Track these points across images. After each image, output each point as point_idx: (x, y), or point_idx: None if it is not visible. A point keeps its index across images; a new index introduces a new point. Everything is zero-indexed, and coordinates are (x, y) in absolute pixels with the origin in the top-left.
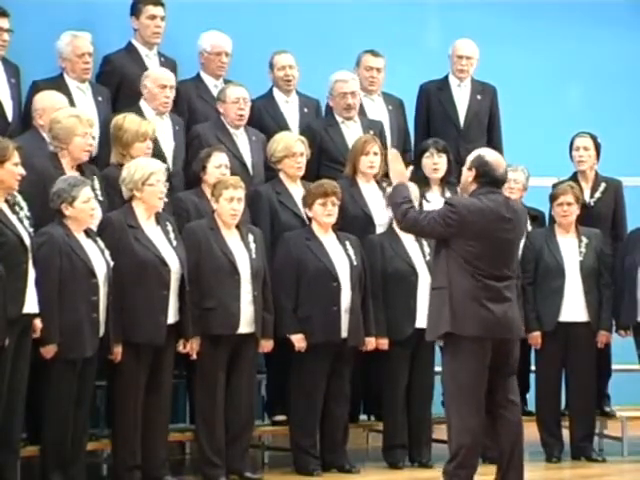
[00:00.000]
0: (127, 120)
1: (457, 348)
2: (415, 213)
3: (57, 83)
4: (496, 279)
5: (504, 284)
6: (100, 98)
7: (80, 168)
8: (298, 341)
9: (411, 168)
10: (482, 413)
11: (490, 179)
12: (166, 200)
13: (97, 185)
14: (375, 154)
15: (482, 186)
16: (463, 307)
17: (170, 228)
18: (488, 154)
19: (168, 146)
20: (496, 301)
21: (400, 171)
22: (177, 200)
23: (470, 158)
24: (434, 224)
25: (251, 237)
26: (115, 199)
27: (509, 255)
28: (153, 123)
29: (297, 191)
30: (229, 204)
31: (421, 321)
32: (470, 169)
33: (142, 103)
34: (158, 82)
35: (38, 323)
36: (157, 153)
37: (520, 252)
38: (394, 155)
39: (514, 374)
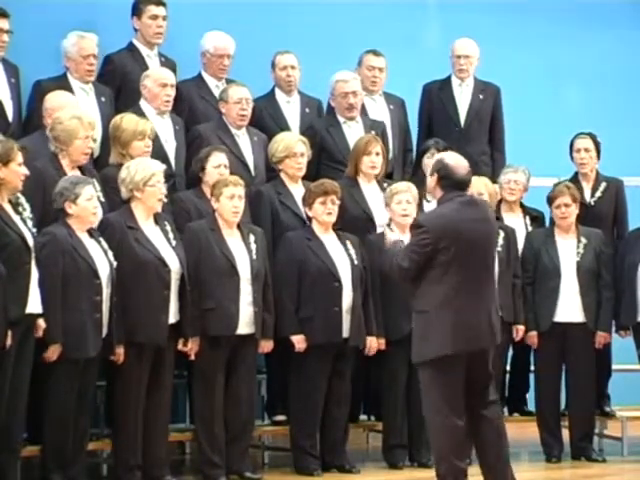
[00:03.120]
0: (125, 120)
1: (433, 365)
2: (396, 262)
3: (60, 83)
4: (477, 284)
5: (485, 288)
6: (103, 98)
7: (81, 169)
8: (298, 342)
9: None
10: (462, 415)
11: (451, 182)
12: (165, 201)
13: (97, 186)
14: (377, 154)
15: (447, 191)
16: (446, 325)
17: (169, 228)
18: (448, 157)
19: (170, 146)
20: (476, 309)
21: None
22: (177, 200)
23: (432, 163)
24: (414, 257)
25: (252, 237)
26: (115, 199)
27: (485, 256)
28: (151, 122)
29: (298, 191)
30: (230, 201)
31: None
32: (432, 174)
33: (142, 103)
34: (159, 81)
35: (41, 323)
36: (160, 153)
37: (520, 252)
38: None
39: (493, 376)
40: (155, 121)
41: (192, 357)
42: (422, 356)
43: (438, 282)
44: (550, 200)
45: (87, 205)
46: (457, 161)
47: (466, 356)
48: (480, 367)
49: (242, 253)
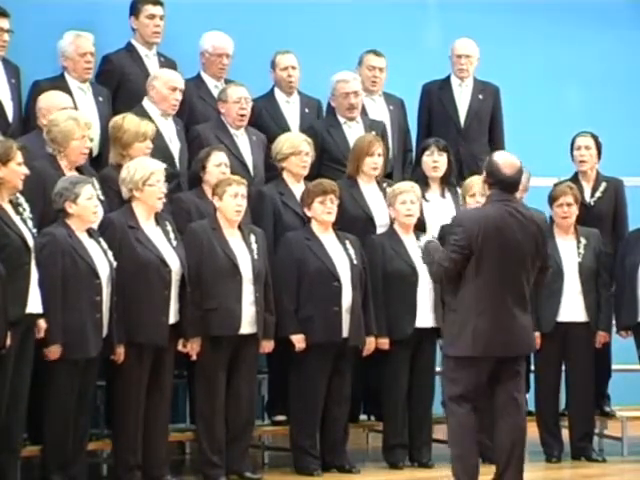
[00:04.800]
0: (126, 120)
1: (457, 361)
2: (437, 262)
3: (58, 83)
4: (504, 294)
5: (514, 298)
6: (101, 98)
7: (79, 170)
8: (298, 341)
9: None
10: (470, 413)
11: (496, 180)
12: (164, 201)
13: (97, 185)
14: (379, 155)
15: (493, 189)
16: (470, 327)
17: (169, 228)
18: (498, 155)
19: (175, 146)
20: (502, 318)
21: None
22: (177, 200)
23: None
24: (454, 256)
25: (253, 237)
26: (114, 200)
27: (518, 268)
28: (152, 123)
29: (300, 191)
30: (234, 200)
31: (421, 321)
32: (483, 172)
33: (146, 103)
34: (169, 84)
35: (42, 324)
36: (165, 153)
37: None
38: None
39: (519, 375)
40: (158, 122)
41: (194, 357)
42: (447, 350)
43: (468, 284)
44: (552, 199)
45: (88, 204)
46: (505, 160)
47: (491, 358)
48: (503, 368)
49: (244, 253)
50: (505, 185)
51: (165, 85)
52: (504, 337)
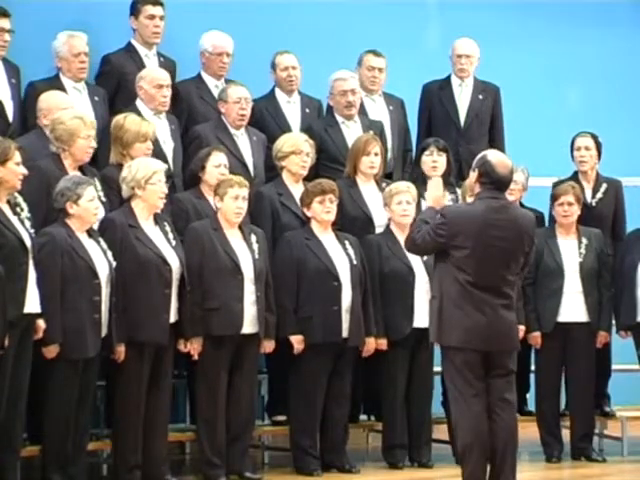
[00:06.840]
0: (128, 120)
1: (447, 354)
2: (414, 233)
3: (53, 83)
4: (486, 290)
5: (496, 295)
6: (96, 98)
7: (81, 169)
8: (297, 342)
9: (449, 197)
10: (482, 412)
11: (490, 180)
12: (165, 201)
13: (99, 186)
14: (376, 154)
15: (485, 188)
16: (449, 317)
17: (168, 228)
18: (491, 154)
19: (168, 146)
20: (483, 312)
21: (437, 198)
22: (176, 201)
23: (476, 159)
24: (427, 238)
25: (254, 237)
26: (113, 199)
27: (502, 265)
28: (153, 124)
29: (299, 192)
30: (234, 202)
31: (418, 321)
32: (474, 170)
33: (139, 103)
34: (154, 82)
35: (41, 324)
36: (158, 153)
37: None
38: (436, 181)
39: (510, 375)
40: (152, 121)
41: (195, 357)
42: (436, 338)
43: (452, 277)
44: (553, 198)
45: (89, 206)
46: (499, 159)
47: (477, 351)
48: (492, 365)
49: (245, 253)
50: (499, 185)
51: (151, 84)
52: (487, 332)
